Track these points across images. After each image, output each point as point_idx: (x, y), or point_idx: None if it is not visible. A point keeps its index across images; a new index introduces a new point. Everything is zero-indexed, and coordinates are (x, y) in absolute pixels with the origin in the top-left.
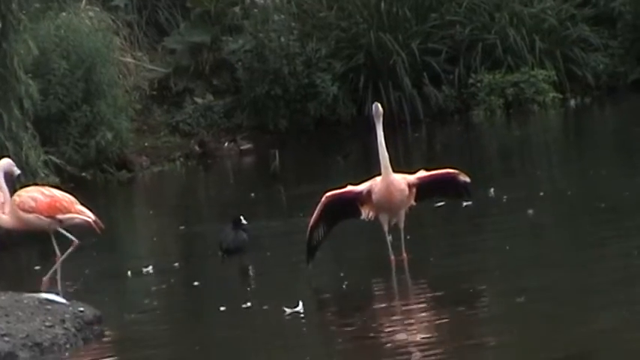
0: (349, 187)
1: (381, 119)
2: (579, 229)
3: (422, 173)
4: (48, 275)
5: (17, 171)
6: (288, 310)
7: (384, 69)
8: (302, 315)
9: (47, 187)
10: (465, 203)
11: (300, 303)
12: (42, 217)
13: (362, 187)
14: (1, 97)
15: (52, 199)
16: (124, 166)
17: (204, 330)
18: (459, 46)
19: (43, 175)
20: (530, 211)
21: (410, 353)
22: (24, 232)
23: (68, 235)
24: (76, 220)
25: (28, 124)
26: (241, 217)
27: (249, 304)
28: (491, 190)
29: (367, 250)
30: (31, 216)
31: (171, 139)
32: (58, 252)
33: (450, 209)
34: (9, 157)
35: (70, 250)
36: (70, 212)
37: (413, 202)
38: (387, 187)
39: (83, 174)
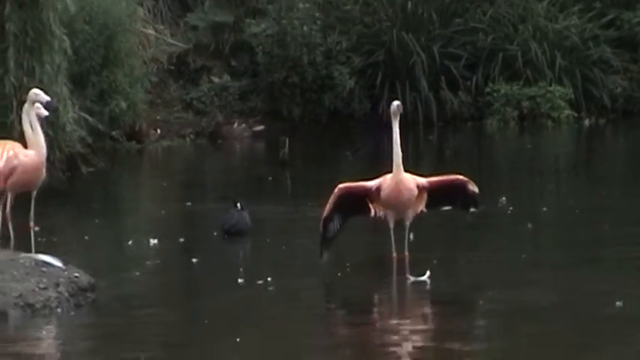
0: (362, 183)
1: (399, 117)
2: (575, 247)
3: (433, 177)
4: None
5: (44, 113)
6: (411, 278)
7: (402, 68)
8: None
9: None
10: (472, 209)
11: (428, 272)
12: None
13: (373, 183)
14: (35, 49)
15: None
16: (133, 137)
17: (196, 303)
18: (479, 54)
19: (69, 129)
20: (530, 225)
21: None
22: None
23: None
24: None
25: (61, 79)
26: (237, 204)
27: (240, 280)
28: (503, 199)
29: (370, 247)
30: None
31: (184, 115)
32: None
33: (455, 213)
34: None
35: None
36: None
37: (423, 209)
38: (396, 185)
39: (113, 133)
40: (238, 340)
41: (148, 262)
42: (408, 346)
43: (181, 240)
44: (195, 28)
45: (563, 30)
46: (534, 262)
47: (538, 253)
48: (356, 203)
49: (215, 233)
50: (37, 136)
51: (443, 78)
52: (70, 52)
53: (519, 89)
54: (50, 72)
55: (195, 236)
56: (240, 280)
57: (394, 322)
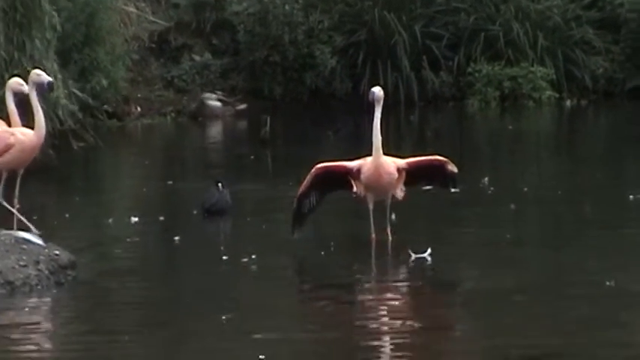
0: (342, 162)
1: (382, 103)
2: (559, 228)
3: (411, 159)
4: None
5: (26, 90)
6: (413, 255)
7: (384, 48)
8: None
9: None
10: (452, 190)
11: (429, 249)
12: None
13: (353, 163)
14: (25, 25)
15: None
16: (114, 115)
17: (176, 280)
18: (461, 34)
19: (63, 104)
20: (513, 206)
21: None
22: None
23: None
24: None
25: (51, 54)
26: (219, 184)
27: (225, 257)
28: (485, 179)
29: (350, 228)
30: None
31: (165, 93)
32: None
33: (437, 193)
34: (19, 76)
35: None
36: None
37: (402, 187)
38: (375, 169)
39: (105, 106)
40: (224, 318)
41: (128, 240)
42: (390, 324)
43: (162, 218)
44: (176, 6)
45: (546, 10)
46: (519, 242)
47: (522, 233)
48: (335, 181)
49: (195, 212)
50: (38, 115)
51: (424, 58)
52: (59, 28)
53: (501, 69)
54: (40, 47)
55: (176, 215)
56: (224, 257)
57: (377, 299)
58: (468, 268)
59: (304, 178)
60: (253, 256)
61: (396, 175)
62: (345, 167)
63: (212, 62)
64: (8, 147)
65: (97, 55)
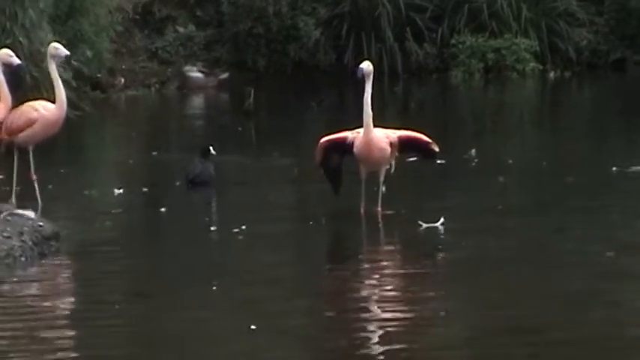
0: (341, 134)
1: (371, 77)
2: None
3: (402, 132)
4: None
5: (16, 61)
6: (424, 225)
7: (367, 19)
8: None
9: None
10: (438, 161)
11: (442, 218)
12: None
13: (350, 135)
14: None
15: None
16: (98, 86)
17: (160, 249)
18: (445, 6)
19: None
20: (501, 179)
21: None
22: None
23: None
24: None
25: (44, 24)
26: (210, 148)
27: (213, 228)
28: (473, 151)
29: (349, 199)
30: None
31: (149, 64)
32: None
33: (423, 166)
34: (8, 47)
35: None
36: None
37: (392, 161)
38: (366, 144)
39: (99, 75)
40: (214, 288)
41: (113, 211)
42: (380, 293)
43: (145, 189)
44: None
45: None
46: (509, 211)
47: (512, 204)
48: (342, 150)
49: (178, 183)
50: (58, 89)
51: (408, 29)
52: None
53: (484, 41)
54: (33, 17)
55: (160, 186)
56: (212, 228)
57: (367, 268)
58: (461, 238)
59: (314, 151)
60: (243, 227)
61: (389, 149)
62: (342, 139)
63: (196, 34)
64: (31, 122)
65: (81, 26)
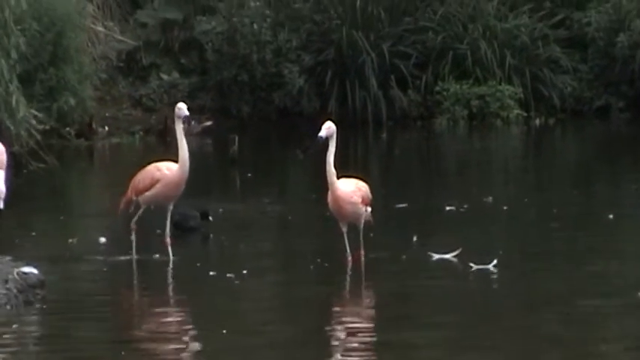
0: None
1: (335, 137)
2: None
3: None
4: None
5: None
6: (474, 267)
7: (352, 67)
8: None
9: None
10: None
11: (495, 260)
12: None
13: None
14: None
15: None
16: (81, 134)
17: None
18: (429, 53)
19: (32, 123)
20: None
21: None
22: None
23: None
24: None
25: (14, 75)
26: (208, 214)
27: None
28: (490, 198)
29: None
30: None
31: (133, 112)
32: None
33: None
34: None
35: None
36: None
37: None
38: (334, 202)
39: (68, 129)
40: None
41: (98, 259)
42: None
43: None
44: (144, 25)
45: (513, 29)
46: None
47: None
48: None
49: (158, 231)
50: (182, 150)
51: (392, 77)
52: (23, 48)
53: (469, 88)
54: (5, 68)
55: (146, 234)
56: (211, 273)
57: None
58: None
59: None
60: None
61: (359, 201)
62: None
63: (180, 81)
64: (154, 181)
65: (65, 74)
